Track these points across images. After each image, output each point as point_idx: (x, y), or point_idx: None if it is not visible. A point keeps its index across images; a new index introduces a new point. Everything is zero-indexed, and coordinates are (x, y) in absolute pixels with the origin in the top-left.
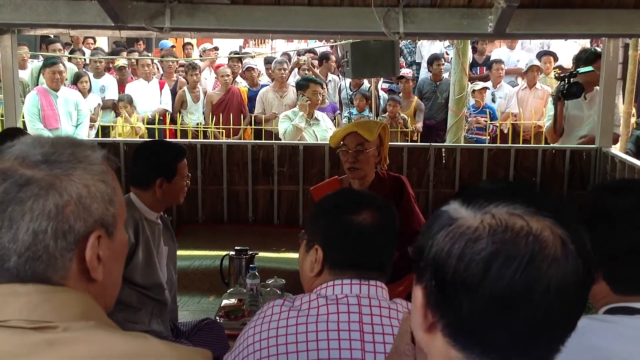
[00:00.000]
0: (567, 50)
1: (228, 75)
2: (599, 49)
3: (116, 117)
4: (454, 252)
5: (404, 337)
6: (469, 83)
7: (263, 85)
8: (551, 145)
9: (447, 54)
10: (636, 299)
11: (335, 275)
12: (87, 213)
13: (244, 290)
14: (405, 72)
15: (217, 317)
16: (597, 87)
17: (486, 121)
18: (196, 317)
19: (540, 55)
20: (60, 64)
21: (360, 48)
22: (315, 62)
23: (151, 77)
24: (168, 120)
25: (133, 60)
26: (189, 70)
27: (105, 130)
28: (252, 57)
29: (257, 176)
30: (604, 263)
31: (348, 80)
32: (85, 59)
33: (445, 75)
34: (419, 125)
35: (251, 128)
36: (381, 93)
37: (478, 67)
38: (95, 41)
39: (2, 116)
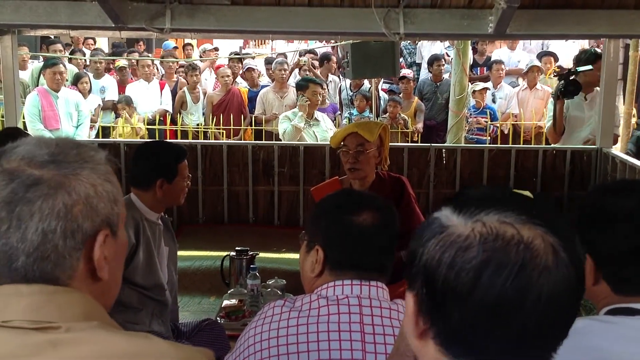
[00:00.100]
0: (566, 50)
1: (228, 76)
2: (599, 50)
3: (116, 118)
4: (444, 261)
5: (405, 338)
6: (470, 84)
7: (263, 86)
8: (552, 145)
9: (448, 55)
10: (637, 299)
11: (336, 276)
12: (95, 212)
13: (244, 290)
14: (407, 72)
15: (217, 318)
16: (598, 88)
17: (487, 122)
18: (197, 318)
19: (540, 55)
20: (61, 65)
21: (361, 49)
22: (316, 63)
23: (151, 78)
24: (168, 121)
25: (133, 61)
26: (189, 71)
27: (105, 131)
28: (253, 57)
29: (257, 177)
30: (605, 264)
31: (348, 81)
32: (85, 60)
33: (446, 75)
34: (420, 125)
35: (251, 129)
36: (381, 94)
37: (478, 68)
38: (95, 42)
39: (2, 117)
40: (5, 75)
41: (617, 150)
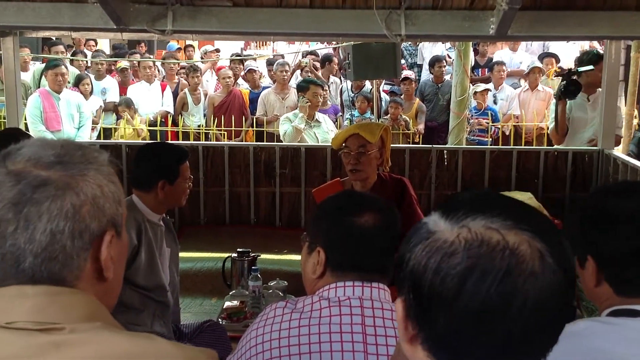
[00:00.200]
0: (567, 51)
1: (229, 77)
2: (601, 51)
3: (117, 119)
4: (430, 266)
5: None
6: (471, 85)
7: (264, 87)
8: (553, 147)
9: (449, 56)
10: (639, 301)
11: (338, 278)
12: (101, 213)
13: (246, 292)
14: (408, 73)
15: (219, 319)
16: (601, 89)
17: (488, 123)
18: (198, 319)
19: (542, 56)
20: (63, 66)
21: (362, 50)
22: (318, 64)
23: (153, 79)
24: (170, 122)
25: (135, 62)
26: (190, 73)
27: (106, 133)
28: (254, 59)
29: (259, 178)
30: (607, 265)
31: (349, 82)
32: (87, 62)
33: (447, 77)
34: (421, 127)
35: (253, 130)
36: (383, 95)
37: (480, 69)
38: (96, 43)
39: (4, 118)
40: (7, 76)
41: (618, 151)
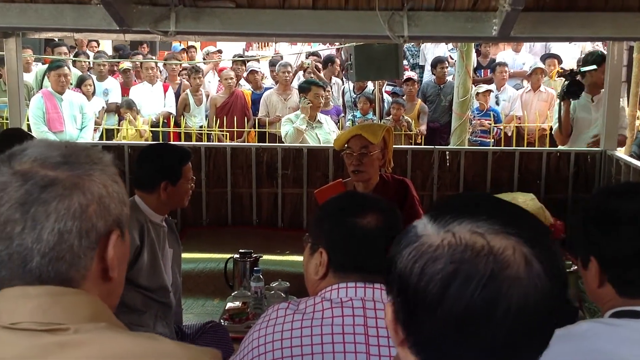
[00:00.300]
0: (568, 52)
1: (232, 78)
2: (604, 52)
3: (120, 120)
4: (415, 271)
5: None
6: (473, 86)
7: (267, 88)
8: (556, 148)
9: (451, 57)
10: None
11: (340, 279)
12: (107, 212)
13: (248, 293)
14: (411, 74)
15: (221, 320)
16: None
17: (490, 124)
18: (200, 320)
19: (544, 58)
20: (66, 67)
21: (364, 51)
22: (320, 65)
23: (155, 80)
24: (172, 123)
25: (137, 63)
26: (191, 74)
27: (109, 134)
28: (258, 60)
29: (261, 179)
30: (610, 266)
31: (352, 83)
32: (89, 62)
33: (449, 78)
34: (423, 128)
35: (255, 131)
36: (385, 96)
37: (482, 70)
38: (98, 44)
39: (7, 119)
40: (9, 77)
41: (623, 152)
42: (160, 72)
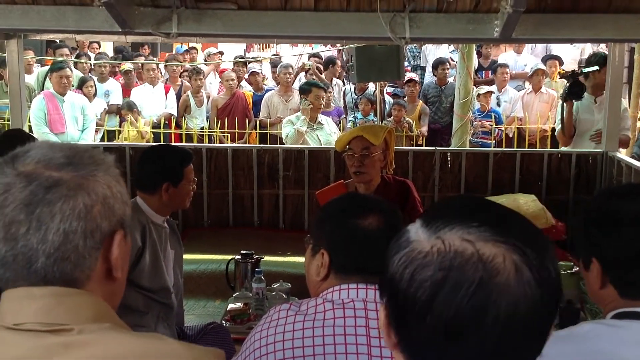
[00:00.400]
0: (569, 54)
1: (233, 80)
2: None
3: (121, 121)
4: (405, 277)
5: None
6: (474, 87)
7: (268, 90)
8: (557, 149)
9: (452, 59)
10: None
11: (342, 280)
12: (111, 212)
13: (249, 294)
14: (412, 76)
15: (223, 321)
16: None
17: (491, 125)
18: (202, 321)
19: (545, 59)
20: (68, 69)
21: (365, 52)
22: (321, 67)
23: (156, 82)
24: (173, 125)
25: (138, 65)
26: (193, 75)
27: (110, 135)
28: (260, 61)
29: (262, 180)
30: (611, 267)
31: (353, 85)
32: (91, 64)
33: (450, 79)
34: (424, 129)
35: (256, 132)
36: (386, 97)
37: (483, 71)
38: (100, 46)
39: (8, 120)
40: (11, 79)
41: (623, 153)
42: (162, 73)
